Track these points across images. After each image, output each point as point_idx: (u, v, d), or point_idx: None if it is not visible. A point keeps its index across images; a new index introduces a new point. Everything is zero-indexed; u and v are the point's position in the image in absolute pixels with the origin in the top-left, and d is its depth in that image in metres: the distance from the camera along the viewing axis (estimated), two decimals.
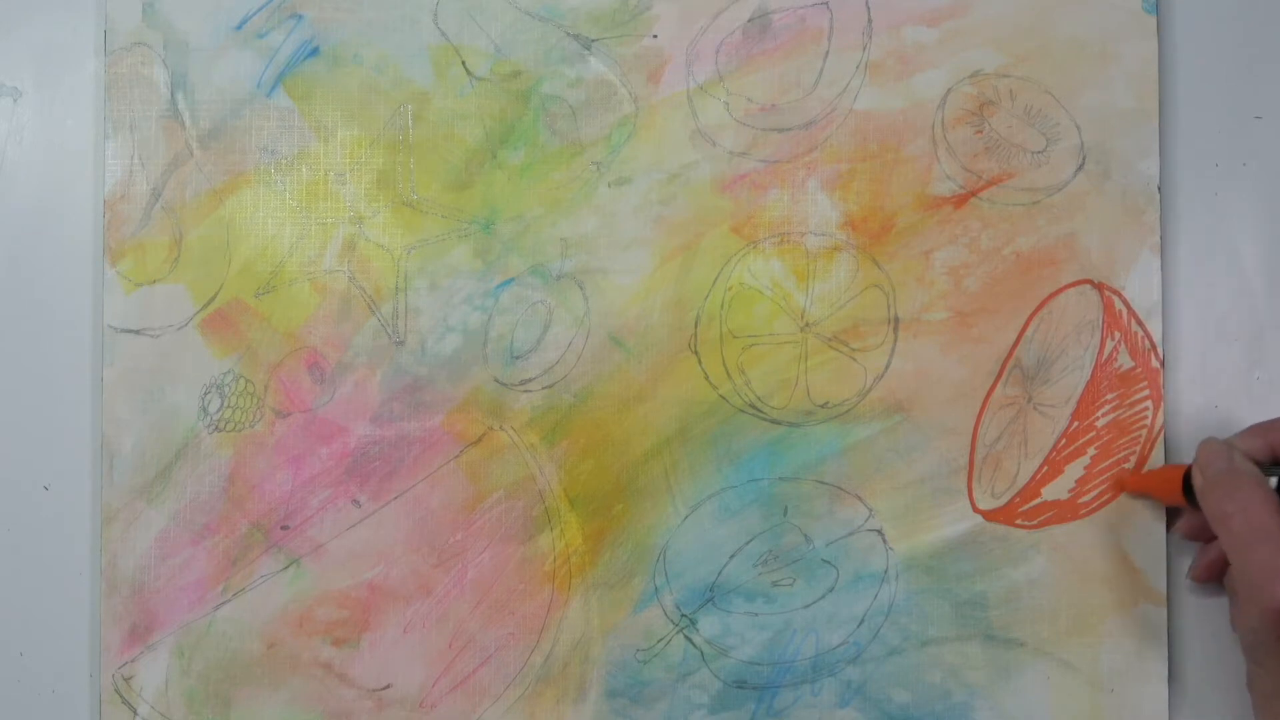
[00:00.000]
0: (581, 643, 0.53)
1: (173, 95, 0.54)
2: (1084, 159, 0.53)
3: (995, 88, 0.53)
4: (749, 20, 0.54)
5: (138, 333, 0.53)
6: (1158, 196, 0.53)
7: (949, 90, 0.53)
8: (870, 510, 0.53)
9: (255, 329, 0.53)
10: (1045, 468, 0.52)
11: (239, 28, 0.54)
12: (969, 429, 0.53)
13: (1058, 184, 0.53)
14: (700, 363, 0.53)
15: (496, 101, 0.54)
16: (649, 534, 0.53)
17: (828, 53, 0.54)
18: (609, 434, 0.53)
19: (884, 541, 0.53)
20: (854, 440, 0.53)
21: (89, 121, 0.55)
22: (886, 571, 0.53)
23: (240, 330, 0.53)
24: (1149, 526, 0.52)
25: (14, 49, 0.55)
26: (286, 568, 0.53)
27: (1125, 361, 0.53)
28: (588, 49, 0.54)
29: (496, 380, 0.53)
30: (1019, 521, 0.52)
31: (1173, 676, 0.52)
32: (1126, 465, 0.52)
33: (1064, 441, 0.52)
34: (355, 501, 0.53)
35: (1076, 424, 0.52)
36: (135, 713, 0.52)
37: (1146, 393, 0.52)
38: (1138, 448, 0.52)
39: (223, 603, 0.53)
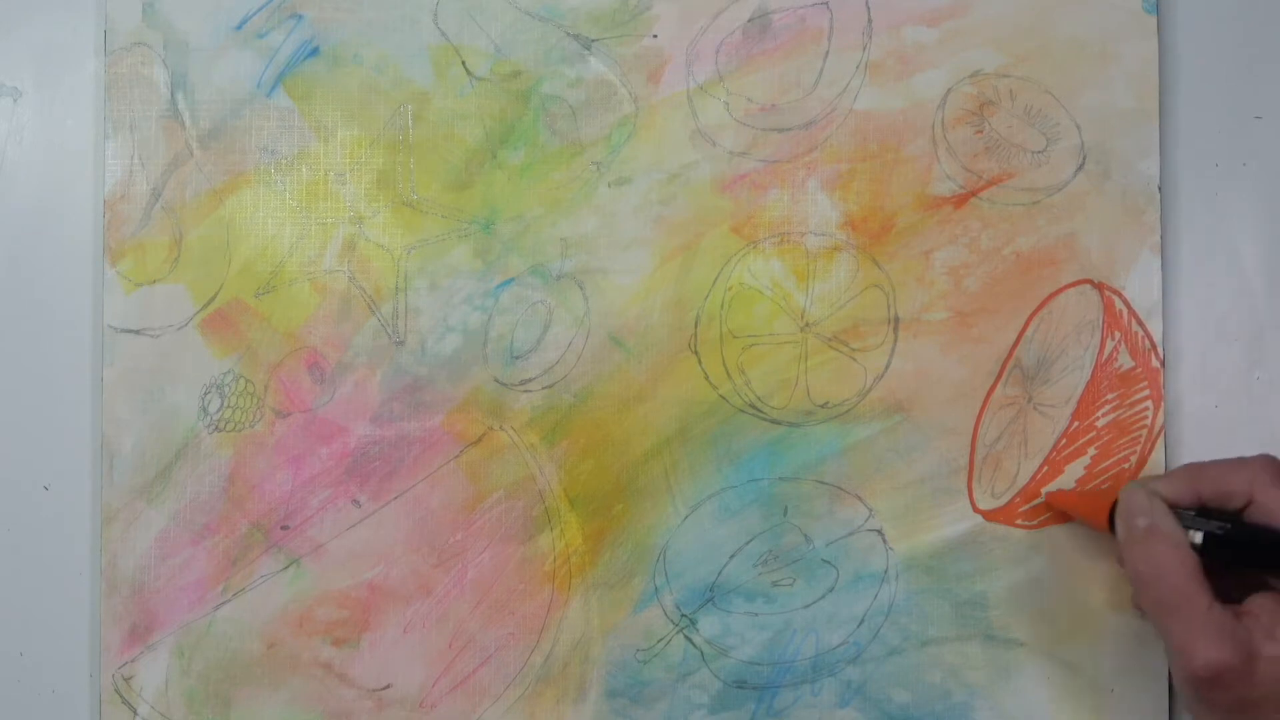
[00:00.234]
0: (581, 643, 0.53)
1: (173, 95, 0.54)
2: (1084, 159, 0.53)
3: (995, 88, 0.53)
4: (749, 20, 0.54)
5: (138, 333, 0.53)
6: (1158, 196, 0.53)
7: (949, 90, 0.53)
8: (870, 510, 0.53)
9: (255, 329, 0.53)
10: (1045, 468, 0.52)
11: (239, 28, 0.54)
12: (969, 429, 0.53)
13: (1058, 184, 0.53)
14: (700, 363, 0.53)
15: (496, 101, 0.54)
16: (649, 534, 0.53)
17: (828, 53, 0.54)
18: (609, 434, 0.53)
19: (884, 541, 0.53)
20: (854, 440, 0.53)
21: (89, 121, 0.54)
22: (886, 571, 0.53)
23: (240, 330, 0.53)
24: None
25: (14, 49, 0.55)
26: (286, 568, 0.53)
27: (1125, 361, 0.52)
28: (588, 49, 0.54)
29: (496, 380, 0.53)
30: (1019, 521, 0.52)
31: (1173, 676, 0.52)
32: (1126, 465, 0.52)
33: (1064, 441, 0.52)
34: (355, 501, 0.53)
35: (1077, 424, 0.52)
36: (135, 713, 0.52)
37: (1146, 393, 0.52)
38: (1138, 448, 0.52)
39: (223, 603, 0.53)
